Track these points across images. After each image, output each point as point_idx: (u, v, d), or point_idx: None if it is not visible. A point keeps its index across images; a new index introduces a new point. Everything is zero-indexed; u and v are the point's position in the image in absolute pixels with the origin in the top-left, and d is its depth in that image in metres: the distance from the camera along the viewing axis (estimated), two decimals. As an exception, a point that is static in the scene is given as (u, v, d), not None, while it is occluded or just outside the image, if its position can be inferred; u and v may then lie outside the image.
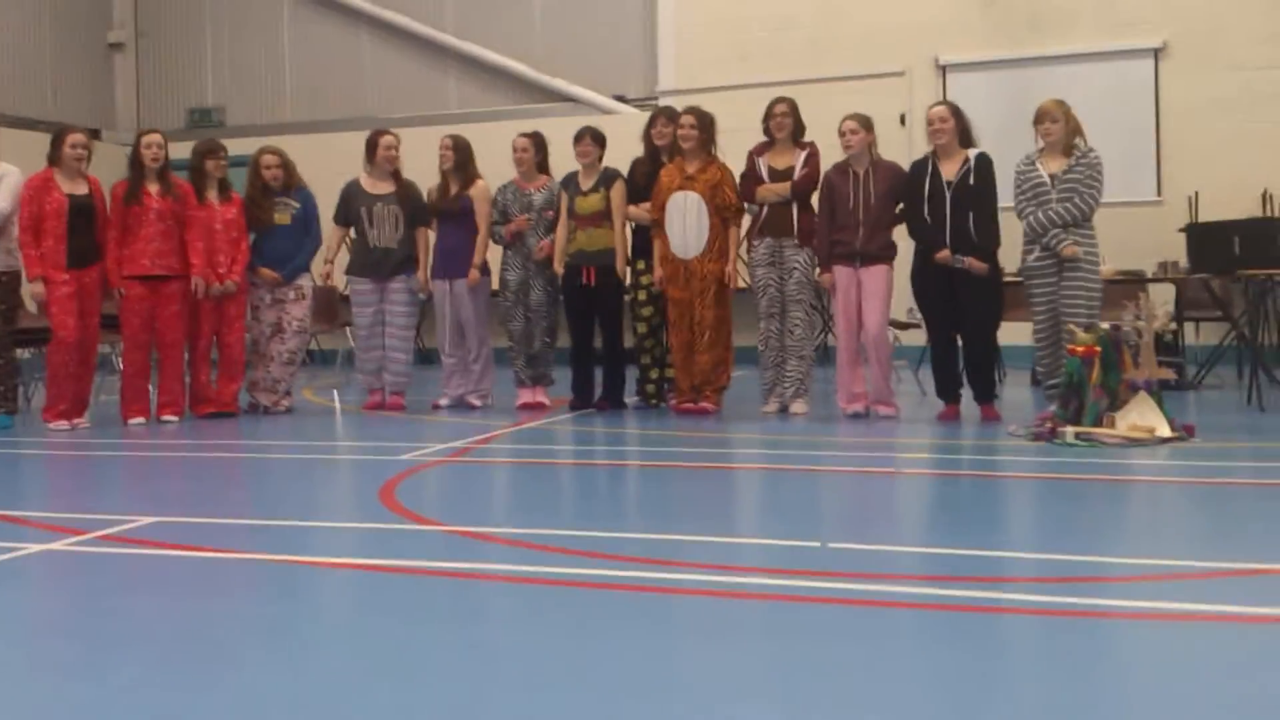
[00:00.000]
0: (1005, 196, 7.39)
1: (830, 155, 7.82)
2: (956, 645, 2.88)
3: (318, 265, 8.66)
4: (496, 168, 8.78)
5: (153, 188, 7.88)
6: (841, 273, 7.61)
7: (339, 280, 8.97)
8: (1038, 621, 3.10)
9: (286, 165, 8.60)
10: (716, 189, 7.85)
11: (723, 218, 7.88)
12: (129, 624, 3.18)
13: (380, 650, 2.87)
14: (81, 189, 7.73)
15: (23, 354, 8.91)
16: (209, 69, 15.90)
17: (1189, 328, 10.24)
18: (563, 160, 8.59)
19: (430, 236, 8.72)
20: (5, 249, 7.72)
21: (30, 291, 7.64)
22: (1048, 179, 7.19)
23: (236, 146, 9.17)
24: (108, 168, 9.33)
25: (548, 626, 3.06)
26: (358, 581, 3.69)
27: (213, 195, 8.23)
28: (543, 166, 8.61)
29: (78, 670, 2.82)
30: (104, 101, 15.88)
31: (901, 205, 7.58)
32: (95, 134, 8.29)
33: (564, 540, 4.14)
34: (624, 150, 8.65)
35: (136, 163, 7.94)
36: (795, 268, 7.79)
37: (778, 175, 7.83)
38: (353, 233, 8.72)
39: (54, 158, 7.69)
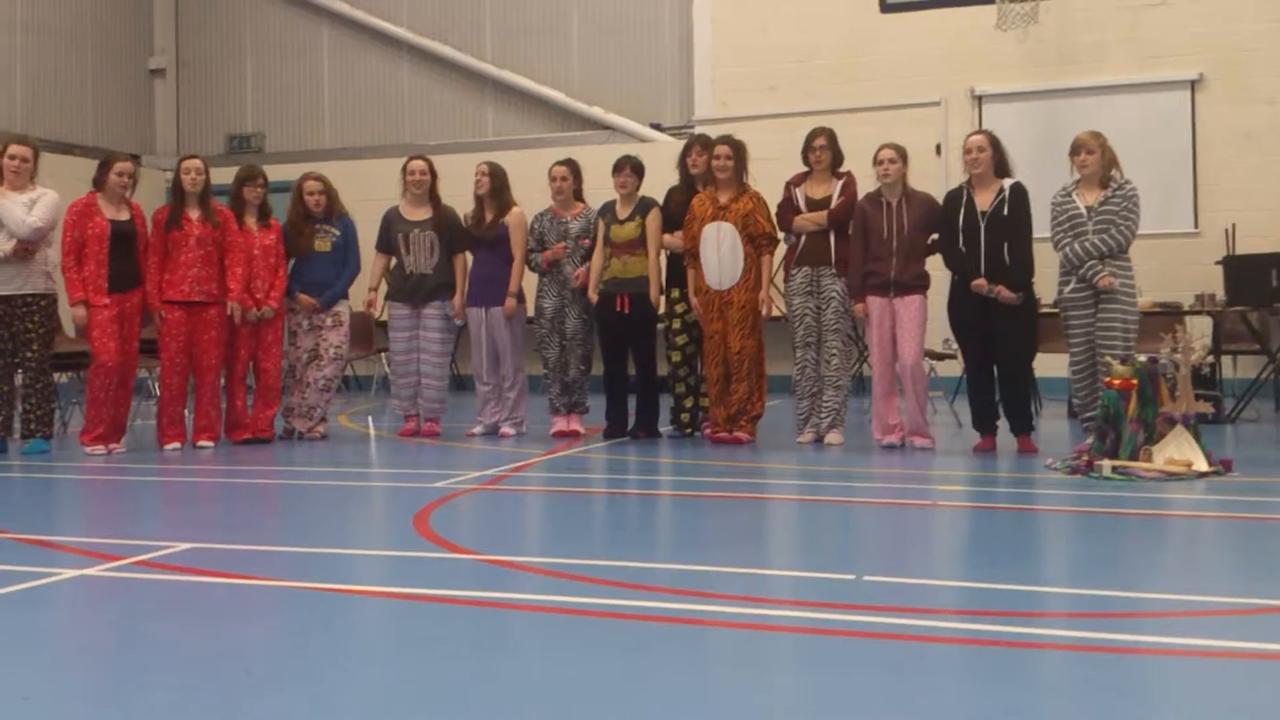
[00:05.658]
0: (1039, 227, 7.36)
1: (865, 184, 7.82)
2: (991, 680, 2.85)
3: (356, 292, 8.70)
4: (533, 195, 8.81)
5: (193, 213, 7.95)
6: (876, 303, 7.59)
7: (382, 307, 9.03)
8: (1072, 657, 3.07)
9: (329, 192, 8.64)
10: (749, 218, 7.84)
11: (756, 246, 7.88)
12: (161, 650, 3.19)
13: (411, 679, 2.87)
14: (124, 215, 7.80)
15: (60, 378, 8.99)
16: (249, 96, 16.08)
17: (1226, 361, 10.18)
18: (598, 187, 8.61)
19: (467, 262, 8.75)
20: (43, 272, 7.73)
21: (71, 315, 7.70)
22: (1084, 210, 7.15)
23: (275, 173, 9.24)
24: (147, 193, 9.42)
25: (579, 657, 3.05)
26: (390, 610, 3.70)
27: (252, 221, 8.29)
28: (578, 194, 8.63)
29: (108, 696, 2.83)
30: (144, 127, 16.08)
31: (935, 236, 7.56)
32: (135, 159, 8.35)
33: (596, 570, 4.14)
34: (659, 178, 8.68)
35: (178, 188, 8.02)
36: (833, 297, 7.78)
37: (814, 205, 7.83)
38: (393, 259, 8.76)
39: (99, 183, 7.77)
